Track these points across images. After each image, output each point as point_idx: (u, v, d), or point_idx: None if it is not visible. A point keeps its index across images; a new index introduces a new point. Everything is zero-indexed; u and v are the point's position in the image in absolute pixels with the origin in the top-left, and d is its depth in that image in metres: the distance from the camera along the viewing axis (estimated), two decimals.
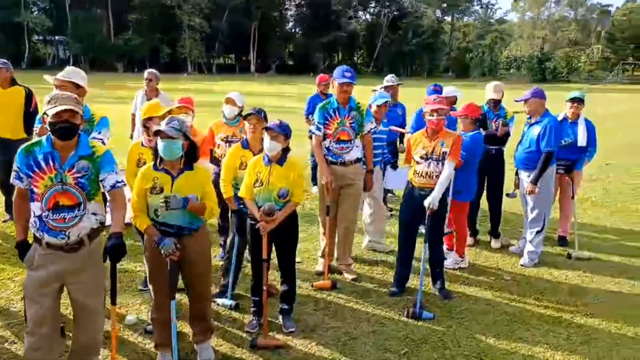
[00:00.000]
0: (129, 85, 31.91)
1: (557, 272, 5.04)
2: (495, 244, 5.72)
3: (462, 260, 5.14)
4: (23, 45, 57.07)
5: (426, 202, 4.07)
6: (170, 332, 3.05)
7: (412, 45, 60.38)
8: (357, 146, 4.51)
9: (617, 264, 5.23)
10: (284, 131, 3.50)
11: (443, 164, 4.16)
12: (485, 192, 5.76)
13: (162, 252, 2.90)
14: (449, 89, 6.82)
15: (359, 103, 4.51)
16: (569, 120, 5.67)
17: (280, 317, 3.85)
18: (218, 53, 68.19)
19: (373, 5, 71.00)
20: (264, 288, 3.61)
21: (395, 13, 64.98)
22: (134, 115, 6.68)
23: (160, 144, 2.98)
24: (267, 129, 3.52)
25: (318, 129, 4.45)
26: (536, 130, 5.13)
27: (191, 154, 3.09)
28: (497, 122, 5.58)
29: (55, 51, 66.25)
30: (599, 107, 25.00)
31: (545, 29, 56.48)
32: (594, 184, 8.77)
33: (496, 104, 5.58)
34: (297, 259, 5.09)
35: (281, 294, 3.84)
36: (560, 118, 5.69)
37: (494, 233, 5.77)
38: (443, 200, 4.24)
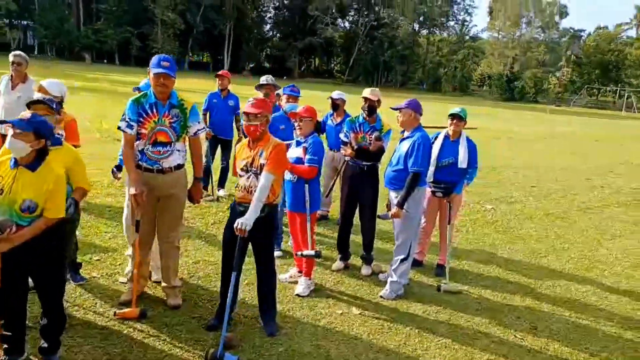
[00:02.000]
0: (86, 75, 30.93)
1: (417, 307, 4.49)
2: (365, 270, 5.14)
3: (311, 283, 4.58)
4: None
5: (237, 223, 3.45)
6: None
7: (387, 56, 60.53)
8: (178, 150, 3.85)
9: (486, 301, 4.71)
10: (33, 127, 2.83)
11: None
12: (358, 213, 5.21)
13: None
14: (335, 93, 6.32)
15: (182, 99, 3.86)
16: (450, 139, 5.16)
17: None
18: (192, 50, 67.13)
19: (352, 13, 71.03)
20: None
21: (373, 23, 65.06)
22: None
23: None
24: (9, 123, 2.85)
25: (129, 126, 3.74)
26: (406, 145, 4.61)
27: None
28: (371, 136, 5.02)
29: (22, 36, 64.14)
30: (554, 127, 25.06)
31: (516, 48, 57.19)
32: (510, 206, 8.34)
33: (371, 111, 4.99)
34: (122, 279, 4.45)
35: (40, 329, 3.15)
36: (441, 136, 5.20)
37: (365, 258, 5.20)
38: (268, 220, 3.64)
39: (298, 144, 4.48)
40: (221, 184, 7.36)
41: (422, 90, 59.29)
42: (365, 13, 67.54)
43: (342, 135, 5.19)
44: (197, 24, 61.86)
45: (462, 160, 5.07)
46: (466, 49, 61.17)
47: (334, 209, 6.60)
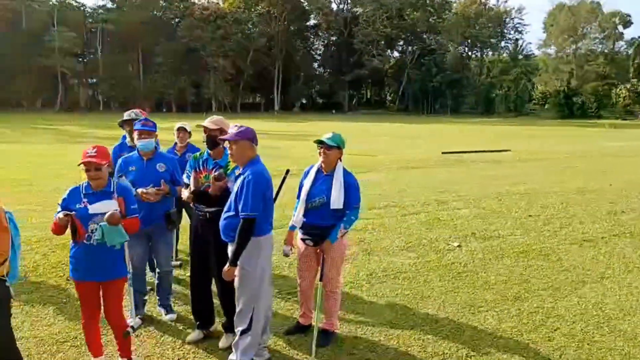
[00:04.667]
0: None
1: None
2: (223, 341, 4.15)
3: None
4: (57, 88, 59.68)
5: None
6: None
7: (436, 82, 59.13)
8: None
9: None
10: None
11: None
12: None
13: None
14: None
15: None
16: (324, 173, 4.16)
17: None
18: (243, 93, 69.43)
19: (401, 43, 70.84)
20: None
21: (423, 50, 64.29)
22: None
23: None
24: None
25: None
26: (237, 186, 3.68)
27: None
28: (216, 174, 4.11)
29: (92, 93, 69.56)
30: (600, 144, 22.45)
31: (572, 63, 53.56)
32: (484, 243, 6.92)
33: (213, 144, 4.08)
34: None
35: None
36: (314, 169, 4.22)
37: (225, 326, 4.21)
38: None
39: (101, 195, 3.50)
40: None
41: (477, 113, 56.95)
42: (413, 41, 67.06)
43: (184, 176, 4.33)
44: (246, 67, 64.03)
45: (335, 200, 4.04)
46: (518, 68, 58.24)
47: None
